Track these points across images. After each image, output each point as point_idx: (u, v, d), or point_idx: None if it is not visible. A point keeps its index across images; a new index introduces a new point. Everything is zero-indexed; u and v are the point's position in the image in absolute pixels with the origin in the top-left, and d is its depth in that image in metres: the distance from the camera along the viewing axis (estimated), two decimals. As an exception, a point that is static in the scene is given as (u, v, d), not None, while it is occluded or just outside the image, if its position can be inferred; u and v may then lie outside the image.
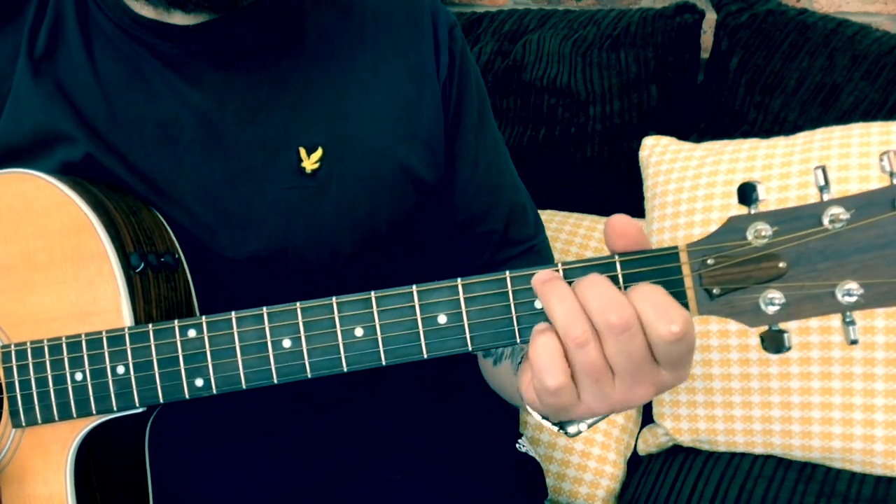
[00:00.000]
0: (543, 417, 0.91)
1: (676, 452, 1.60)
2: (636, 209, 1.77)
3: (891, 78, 1.71)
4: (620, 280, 0.81)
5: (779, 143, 1.58)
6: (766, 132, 1.81)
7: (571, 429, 0.90)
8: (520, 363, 0.91)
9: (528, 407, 0.91)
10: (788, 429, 1.49)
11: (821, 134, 1.57)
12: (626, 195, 1.92)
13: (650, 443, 1.63)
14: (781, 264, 0.77)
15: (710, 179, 1.57)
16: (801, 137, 1.58)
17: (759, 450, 1.53)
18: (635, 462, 1.66)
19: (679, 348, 0.79)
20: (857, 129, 1.54)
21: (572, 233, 1.80)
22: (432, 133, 1.18)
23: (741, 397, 1.51)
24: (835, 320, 1.45)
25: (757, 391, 1.50)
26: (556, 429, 0.91)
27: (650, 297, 0.78)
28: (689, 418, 1.56)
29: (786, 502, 1.44)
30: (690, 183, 1.59)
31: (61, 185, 1.00)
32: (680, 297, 0.81)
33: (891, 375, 1.42)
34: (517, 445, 1.38)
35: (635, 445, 1.67)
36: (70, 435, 0.97)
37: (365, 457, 1.25)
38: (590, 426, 0.90)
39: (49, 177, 1.01)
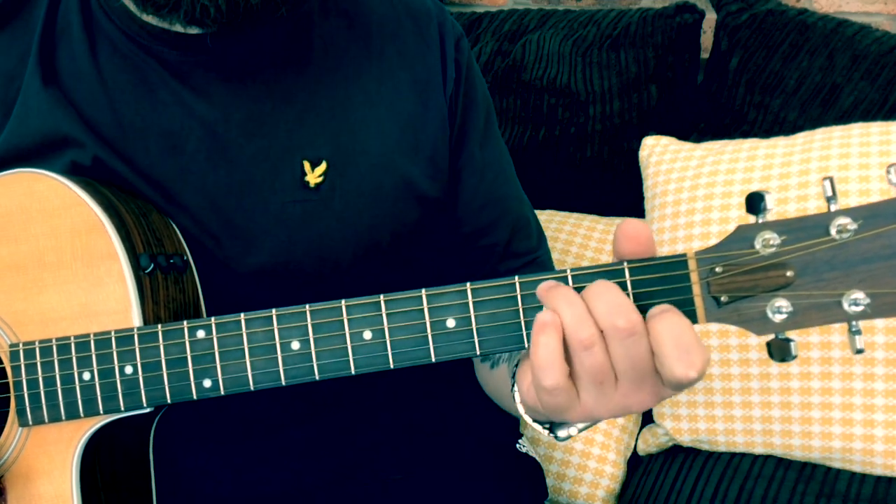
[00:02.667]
0: (535, 421, 0.92)
1: (676, 452, 1.61)
2: (636, 209, 1.78)
3: (891, 78, 1.72)
4: (629, 286, 0.82)
5: (779, 143, 1.58)
6: (766, 132, 1.81)
7: (561, 433, 0.91)
8: (517, 366, 0.92)
9: (519, 408, 0.92)
10: (788, 429, 1.49)
11: (821, 134, 1.57)
12: (626, 195, 1.93)
13: (650, 443, 1.63)
14: (789, 273, 0.78)
15: (710, 179, 1.58)
16: (801, 137, 1.59)
17: (759, 450, 1.53)
18: (635, 462, 1.66)
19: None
20: (857, 129, 1.54)
21: (572, 233, 1.80)
22: (437, 147, 1.17)
23: (741, 397, 1.52)
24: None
25: (757, 391, 1.50)
26: (546, 433, 0.92)
27: (672, 332, 0.78)
28: (689, 418, 1.56)
29: (786, 502, 1.44)
30: (690, 183, 1.59)
31: (73, 186, 1.00)
32: (688, 304, 0.81)
33: (891, 375, 1.43)
34: (517, 445, 1.39)
35: (635, 445, 1.67)
36: (76, 434, 0.97)
37: (366, 458, 1.25)
38: (580, 431, 0.91)
39: (60, 177, 1.00)
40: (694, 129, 1.93)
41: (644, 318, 0.79)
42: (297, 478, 1.22)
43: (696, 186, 1.58)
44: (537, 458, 1.41)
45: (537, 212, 1.33)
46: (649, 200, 1.66)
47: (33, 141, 1.09)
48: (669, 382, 0.79)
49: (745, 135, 1.83)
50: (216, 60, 1.10)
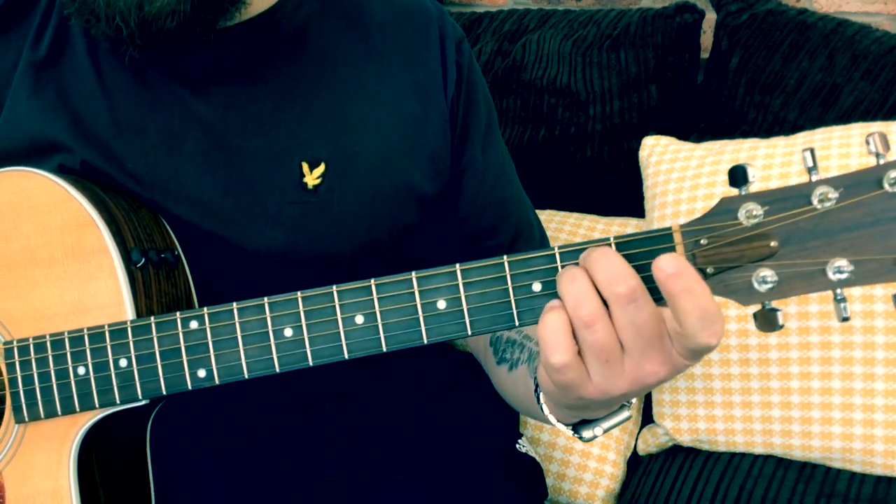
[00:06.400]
0: (559, 421, 0.93)
1: (676, 452, 1.60)
2: (636, 209, 1.78)
3: (891, 78, 1.72)
4: None
5: (779, 143, 1.58)
6: (766, 132, 1.81)
7: (586, 433, 0.91)
8: (536, 367, 0.92)
9: (544, 408, 0.92)
10: (788, 429, 1.49)
11: (821, 134, 1.57)
12: (626, 195, 1.92)
13: (650, 443, 1.63)
14: (773, 243, 0.78)
15: (710, 179, 1.57)
16: (801, 137, 1.58)
17: (759, 450, 1.53)
18: (635, 462, 1.66)
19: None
20: (856, 129, 1.54)
21: (572, 233, 1.80)
22: (437, 149, 1.18)
23: (741, 397, 1.51)
24: (834, 320, 1.45)
25: (757, 391, 1.50)
26: (570, 433, 0.92)
27: (697, 305, 0.77)
28: (689, 418, 1.56)
29: (786, 502, 1.43)
30: (690, 183, 1.59)
31: (62, 182, 1.00)
32: None
33: (891, 375, 1.42)
34: (517, 445, 1.39)
35: (635, 445, 1.67)
36: (73, 429, 0.98)
37: (365, 459, 1.25)
38: (605, 431, 0.91)
39: (50, 174, 1.01)
40: (694, 129, 1.92)
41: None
42: (298, 479, 1.22)
43: (696, 186, 1.58)
44: (537, 458, 1.41)
45: (537, 212, 1.33)
46: (649, 200, 1.66)
47: (21, 145, 1.10)
48: (691, 350, 0.79)
49: (745, 135, 1.83)
50: (216, 61, 1.10)
